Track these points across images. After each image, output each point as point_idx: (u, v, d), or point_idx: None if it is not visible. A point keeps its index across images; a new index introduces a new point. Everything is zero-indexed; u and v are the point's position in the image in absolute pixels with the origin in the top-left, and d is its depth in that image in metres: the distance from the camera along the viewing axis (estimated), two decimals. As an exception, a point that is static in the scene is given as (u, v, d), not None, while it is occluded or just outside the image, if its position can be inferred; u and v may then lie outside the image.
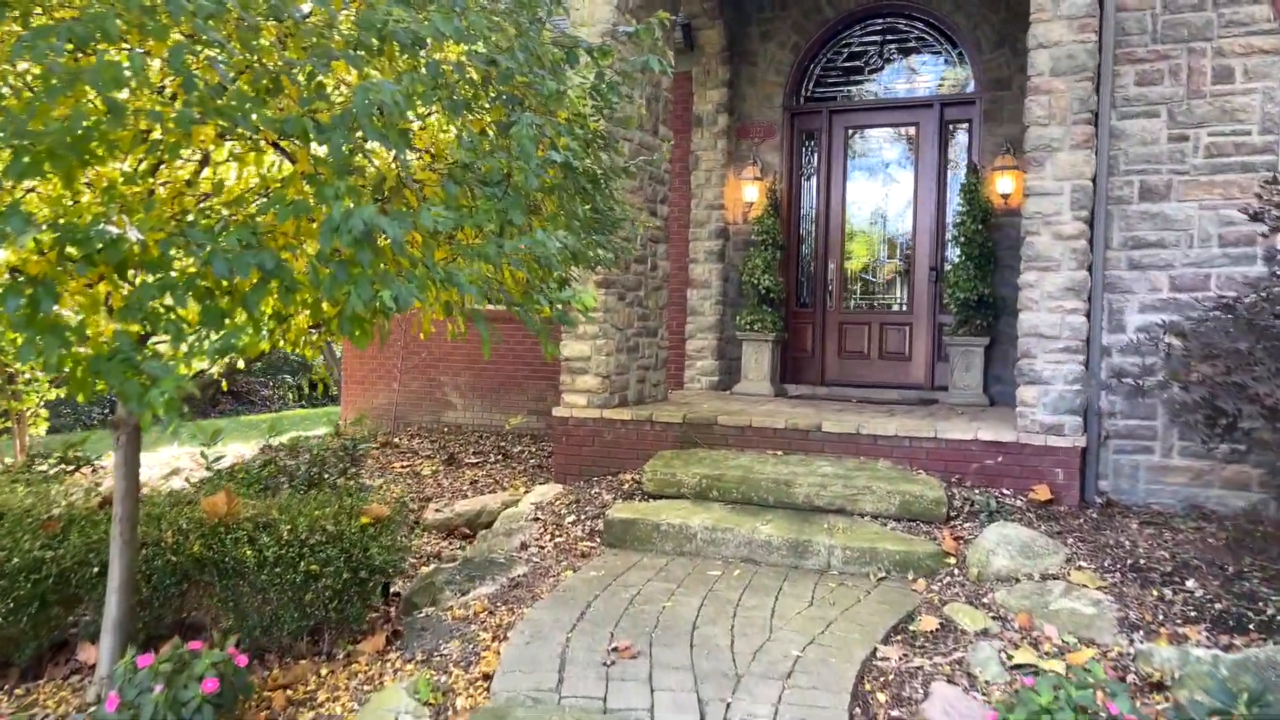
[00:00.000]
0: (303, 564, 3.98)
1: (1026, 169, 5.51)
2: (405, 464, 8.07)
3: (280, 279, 2.25)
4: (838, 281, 8.72)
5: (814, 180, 8.84)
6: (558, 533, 5.50)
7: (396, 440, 9.08)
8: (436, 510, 6.73)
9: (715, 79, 8.80)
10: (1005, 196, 7.83)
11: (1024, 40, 7.86)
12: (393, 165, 2.81)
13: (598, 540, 5.35)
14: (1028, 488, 5.45)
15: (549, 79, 2.99)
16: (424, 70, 2.66)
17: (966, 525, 5.00)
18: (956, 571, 4.57)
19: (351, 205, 2.18)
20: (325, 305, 2.73)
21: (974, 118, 8.10)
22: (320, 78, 2.50)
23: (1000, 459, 5.54)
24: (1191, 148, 5.63)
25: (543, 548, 5.29)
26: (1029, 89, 5.50)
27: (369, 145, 2.62)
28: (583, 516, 5.67)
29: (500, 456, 8.24)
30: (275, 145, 2.70)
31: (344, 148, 2.30)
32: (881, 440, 5.82)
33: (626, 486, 6.04)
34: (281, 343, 3.34)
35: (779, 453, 6.04)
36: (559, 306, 3.20)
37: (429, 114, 3.09)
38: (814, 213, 8.84)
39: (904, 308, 8.52)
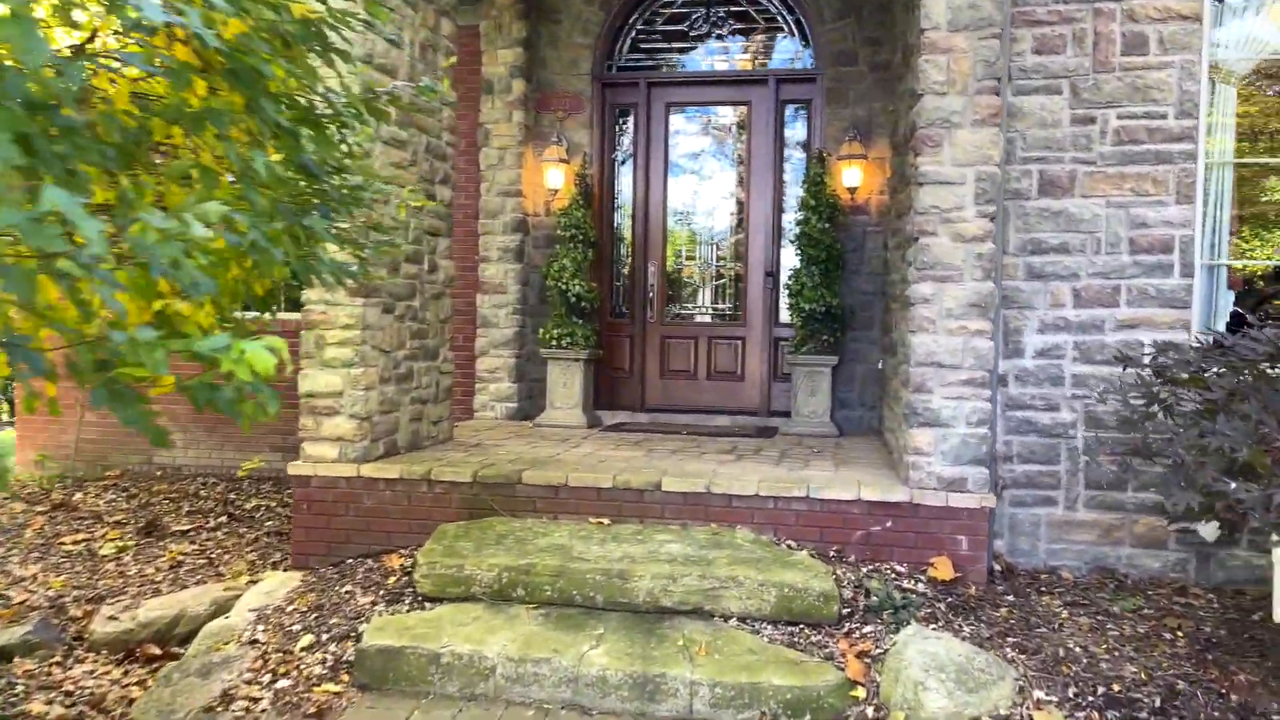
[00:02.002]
0: None
1: (920, 149, 4.27)
2: (82, 536, 5.81)
3: None
4: (660, 287, 7.30)
5: (631, 165, 7.37)
6: (285, 667, 3.66)
7: (80, 496, 6.72)
8: (112, 616, 4.63)
9: (509, 36, 7.12)
10: (852, 190, 6.71)
11: (870, 9, 6.81)
12: None
13: (346, 680, 3.56)
14: (924, 561, 4.22)
15: None
16: None
17: (868, 630, 3.66)
18: (871, 714, 3.20)
19: None
20: None
21: (815, 97, 6.93)
22: None
23: (889, 524, 4.28)
24: (1099, 132, 4.63)
25: (256, 702, 3.43)
26: (923, 46, 4.26)
27: None
28: (325, 636, 3.85)
29: (225, 518, 6.15)
30: None
31: None
32: (739, 501, 4.41)
33: (394, 580, 4.27)
34: None
35: (605, 521, 4.49)
36: (227, 369, 1.45)
37: None
38: (631, 204, 7.37)
39: (736, 319, 7.24)
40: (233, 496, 6.67)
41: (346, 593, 4.20)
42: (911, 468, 4.30)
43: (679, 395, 7.28)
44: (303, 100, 2.09)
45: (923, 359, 4.28)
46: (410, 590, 4.11)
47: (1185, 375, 3.16)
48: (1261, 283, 5.72)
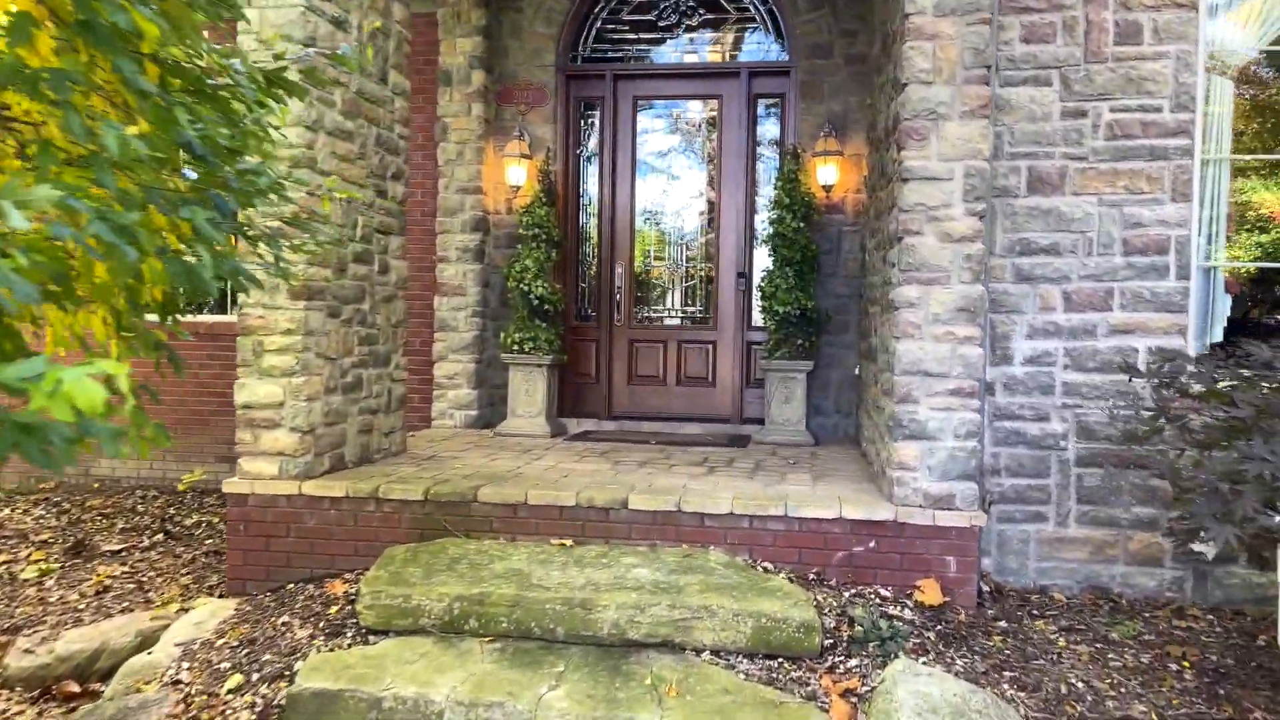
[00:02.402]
0: None
1: (905, 143, 3.99)
2: (4, 558, 5.37)
3: None
4: (627, 289, 6.97)
5: (597, 162, 7.04)
6: (208, 714, 3.29)
7: (8, 512, 6.26)
8: (28, 650, 4.22)
9: (468, 24, 6.76)
10: (828, 188, 6.43)
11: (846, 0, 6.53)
12: None
13: (276, 727, 3.21)
14: (910, 584, 3.94)
15: None
16: None
17: (853, 664, 3.36)
18: (860, 761, 2.90)
19: None
20: None
21: (789, 91, 6.64)
22: None
23: (873, 544, 3.99)
24: (1090, 126, 4.38)
25: (173, 755, 3.07)
26: (907, 32, 3.97)
27: None
28: (256, 676, 3.48)
29: (162, 535, 5.73)
30: None
31: None
32: (711, 520, 4.10)
33: (336, 609, 3.91)
34: None
35: (568, 542, 4.16)
36: (39, 405, 1.10)
37: None
38: (598, 203, 7.04)
39: (707, 323, 6.93)
40: (172, 512, 6.25)
41: (283, 624, 3.83)
42: (896, 483, 4.02)
43: (647, 402, 6.96)
44: (193, 69, 1.75)
45: (908, 367, 4.00)
46: (353, 621, 3.75)
47: (1203, 388, 2.90)
48: (1250, 286, 5.53)
